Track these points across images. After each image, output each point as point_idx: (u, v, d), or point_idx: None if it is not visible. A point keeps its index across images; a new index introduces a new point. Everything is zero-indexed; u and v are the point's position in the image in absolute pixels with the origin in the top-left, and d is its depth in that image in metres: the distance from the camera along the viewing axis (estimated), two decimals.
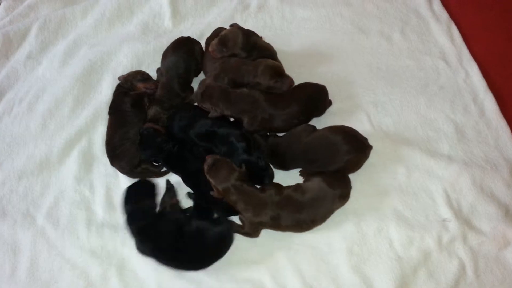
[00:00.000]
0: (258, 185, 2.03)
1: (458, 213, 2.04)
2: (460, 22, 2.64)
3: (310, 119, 2.23)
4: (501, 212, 2.04)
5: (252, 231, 1.98)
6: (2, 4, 2.87)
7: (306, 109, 2.19)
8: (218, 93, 2.13)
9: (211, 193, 1.96)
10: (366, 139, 2.07)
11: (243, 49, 2.26)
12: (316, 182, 1.97)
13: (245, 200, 1.92)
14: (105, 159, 2.25)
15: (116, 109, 2.31)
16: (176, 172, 2.18)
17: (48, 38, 2.71)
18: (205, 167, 1.97)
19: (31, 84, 2.56)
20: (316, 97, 2.23)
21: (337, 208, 2.00)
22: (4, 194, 2.21)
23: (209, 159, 1.98)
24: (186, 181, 2.13)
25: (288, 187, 2.00)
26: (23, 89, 2.55)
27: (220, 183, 1.93)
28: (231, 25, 2.46)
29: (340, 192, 1.97)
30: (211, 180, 1.95)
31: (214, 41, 2.25)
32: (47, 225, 2.12)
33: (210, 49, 2.26)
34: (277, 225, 1.94)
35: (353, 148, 2.00)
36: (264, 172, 2.09)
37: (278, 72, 2.18)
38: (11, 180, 2.25)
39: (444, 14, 2.67)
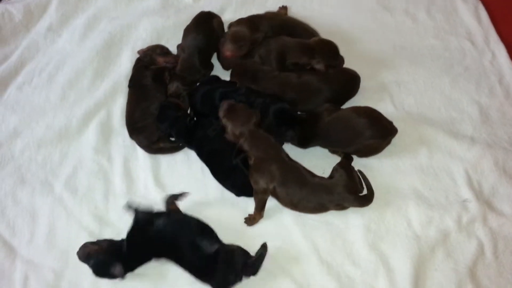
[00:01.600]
0: None
1: (479, 194, 2.01)
2: (488, 2, 2.58)
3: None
4: None
5: (259, 190, 1.90)
6: None
7: (336, 98, 2.17)
8: (245, 71, 2.11)
9: (225, 135, 1.95)
10: (391, 123, 2.02)
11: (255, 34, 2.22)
12: (338, 177, 1.91)
13: (257, 146, 1.89)
14: (124, 131, 2.25)
15: (137, 83, 2.31)
16: (191, 147, 2.17)
17: (68, 11, 2.71)
18: (221, 112, 1.95)
19: (51, 56, 2.56)
20: (348, 87, 2.23)
21: (327, 208, 1.92)
22: (23, 162, 2.23)
23: (224, 104, 1.96)
24: (201, 155, 2.13)
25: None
26: (43, 61, 2.55)
27: (238, 127, 1.91)
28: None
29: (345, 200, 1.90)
30: (228, 124, 1.93)
31: (228, 45, 2.20)
32: (65, 193, 2.13)
33: (228, 53, 2.21)
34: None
35: (377, 134, 1.98)
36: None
37: (336, 51, 2.22)
38: (30, 149, 2.27)
39: None
